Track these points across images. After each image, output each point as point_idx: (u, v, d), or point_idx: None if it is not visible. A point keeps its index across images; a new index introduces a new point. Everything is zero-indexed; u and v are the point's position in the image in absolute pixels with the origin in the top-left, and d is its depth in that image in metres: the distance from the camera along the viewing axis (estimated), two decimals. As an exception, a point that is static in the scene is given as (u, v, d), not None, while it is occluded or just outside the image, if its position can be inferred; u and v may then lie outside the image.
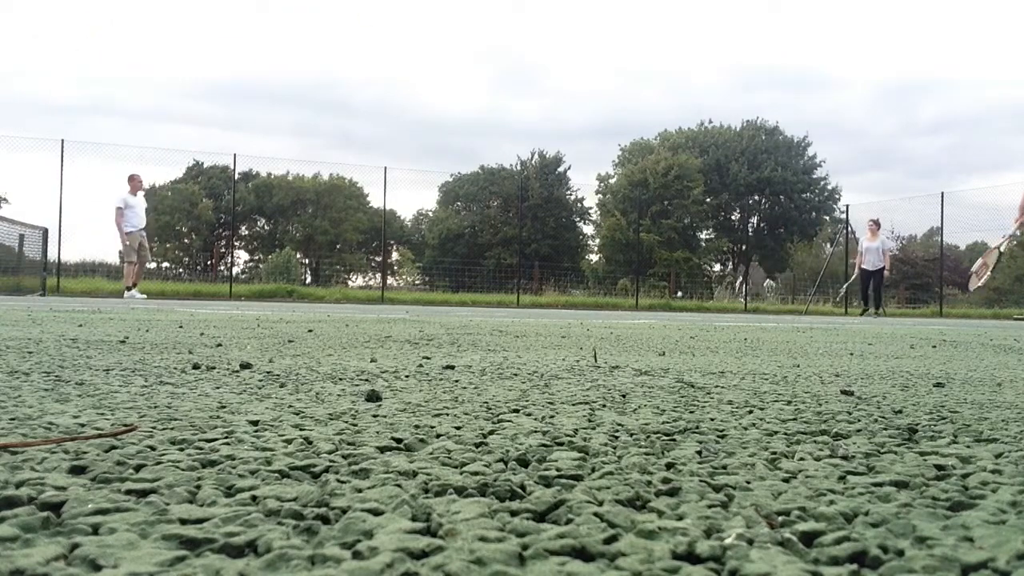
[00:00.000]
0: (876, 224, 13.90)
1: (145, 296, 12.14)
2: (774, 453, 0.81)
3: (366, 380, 1.44)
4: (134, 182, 11.95)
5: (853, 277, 14.18)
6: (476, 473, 0.68)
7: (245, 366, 1.61)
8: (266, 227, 47.43)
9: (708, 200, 43.27)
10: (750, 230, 46.87)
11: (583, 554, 0.48)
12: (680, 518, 0.56)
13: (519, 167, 45.29)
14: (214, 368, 1.57)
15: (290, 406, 1.08)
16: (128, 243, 11.73)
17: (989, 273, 8.24)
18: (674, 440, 0.88)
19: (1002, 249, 8.32)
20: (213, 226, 45.90)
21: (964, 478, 0.71)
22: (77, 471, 0.66)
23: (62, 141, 17.13)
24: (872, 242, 13.66)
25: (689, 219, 41.87)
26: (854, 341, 3.53)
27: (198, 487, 0.61)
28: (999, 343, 3.62)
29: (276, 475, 0.66)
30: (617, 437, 0.89)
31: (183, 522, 0.52)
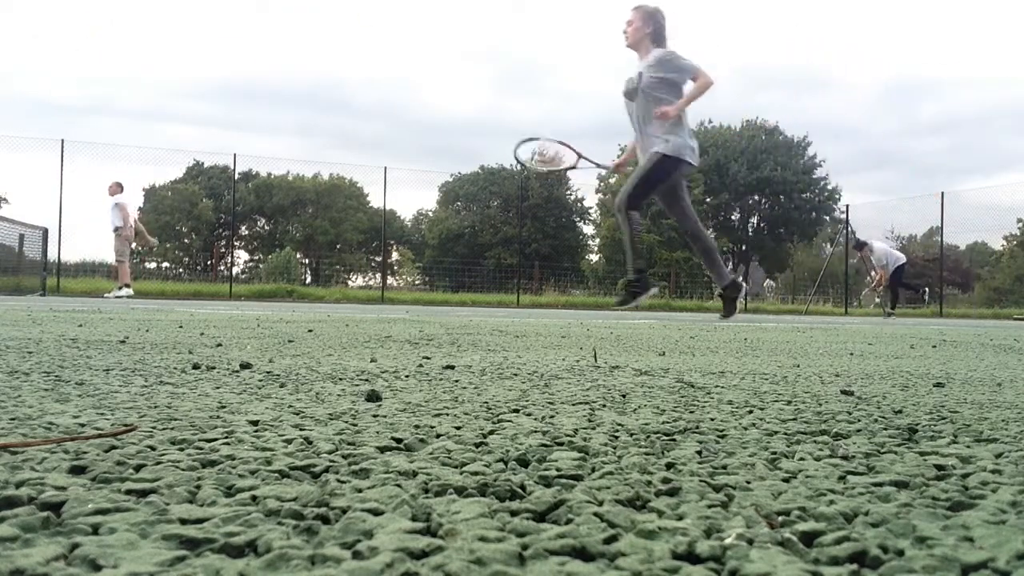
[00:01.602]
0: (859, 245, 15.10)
1: (119, 295, 12.84)
2: (774, 453, 0.81)
3: (366, 380, 1.44)
4: (110, 188, 13.10)
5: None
6: (476, 473, 0.68)
7: (245, 366, 1.61)
8: (266, 227, 47.44)
9: (708, 200, 43.26)
10: (750, 230, 46.86)
11: (583, 554, 0.48)
12: (680, 518, 0.56)
13: (519, 167, 45.26)
14: (214, 368, 1.57)
15: (290, 406, 1.08)
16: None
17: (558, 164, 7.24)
18: (674, 440, 0.88)
19: (580, 160, 6.76)
20: (213, 226, 45.90)
21: (964, 478, 0.71)
22: (77, 471, 0.66)
23: (62, 141, 17.16)
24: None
25: (689, 219, 41.80)
26: (854, 341, 3.53)
27: (198, 487, 0.61)
28: (999, 343, 3.62)
29: (276, 475, 0.66)
30: (617, 437, 0.89)
31: (183, 522, 0.52)
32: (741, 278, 6.85)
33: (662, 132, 6.29)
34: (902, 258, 14.55)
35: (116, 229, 12.98)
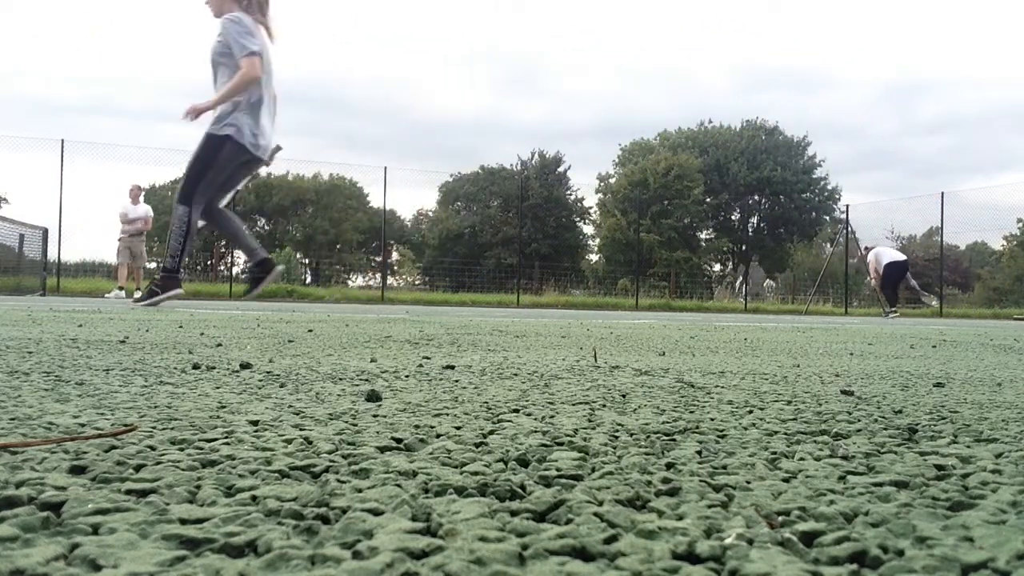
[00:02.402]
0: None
1: (123, 296, 12.87)
2: (774, 453, 0.81)
3: (366, 380, 1.44)
4: (131, 191, 13.39)
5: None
6: (476, 473, 0.68)
7: (245, 366, 1.61)
8: (266, 227, 47.42)
9: (708, 200, 43.29)
10: (750, 230, 46.87)
11: (583, 554, 0.48)
12: (680, 518, 0.56)
13: (519, 167, 45.32)
14: (214, 368, 1.57)
15: (290, 406, 1.08)
16: (120, 246, 13.23)
17: None
18: (674, 440, 0.88)
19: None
20: (213, 226, 45.75)
21: (964, 478, 0.71)
22: (77, 471, 0.66)
23: (62, 141, 17.16)
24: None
25: (689, 219, 41.89)
26: (854, 341, 3.53)
27: (198, 487, 0.61)
28: (999, 343, 3.62)
29: (276, 475, 0.66)
30: (617, 437, 0.89)
31: (183, 522, 0.52)
32: (268, 261, 5.77)
33: (221, 109, 5.39)
34: (897, 256, 14.52)
35: (134, 225, 13.10)
